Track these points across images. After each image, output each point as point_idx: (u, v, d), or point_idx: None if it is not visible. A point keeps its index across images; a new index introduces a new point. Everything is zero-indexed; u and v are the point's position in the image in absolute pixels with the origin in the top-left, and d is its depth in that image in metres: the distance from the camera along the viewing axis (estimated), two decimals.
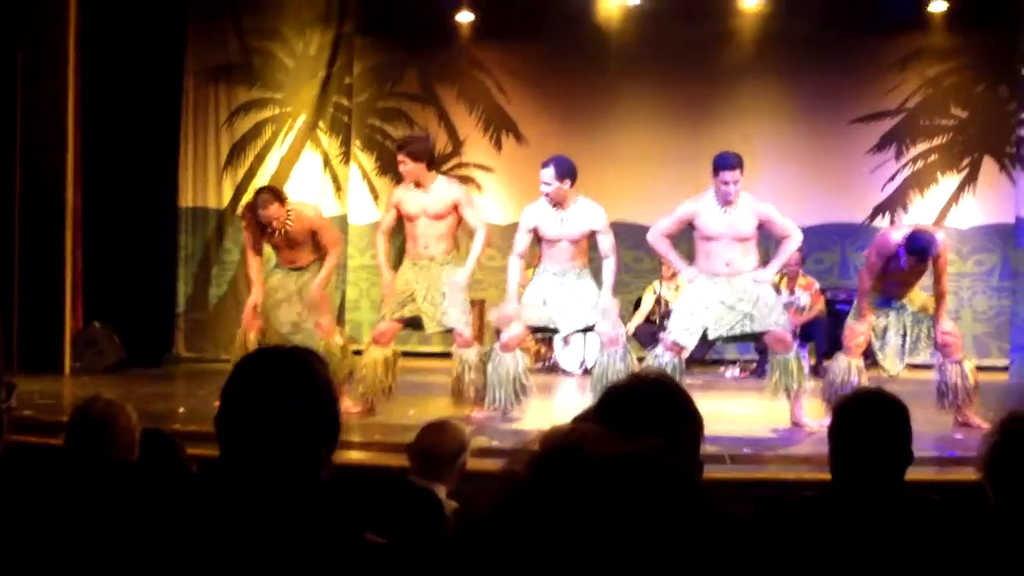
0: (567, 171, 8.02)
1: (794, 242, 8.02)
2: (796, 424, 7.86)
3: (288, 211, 8.45)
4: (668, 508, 1.00)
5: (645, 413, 2.23)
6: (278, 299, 8.61)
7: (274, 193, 8.65)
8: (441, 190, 8.34)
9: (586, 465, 1.02)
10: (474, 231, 8.44)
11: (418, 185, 8.28)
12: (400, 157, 8.35)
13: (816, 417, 7.73)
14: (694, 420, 2.41)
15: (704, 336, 8.03)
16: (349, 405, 7.98)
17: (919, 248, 7.79)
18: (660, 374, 2.60)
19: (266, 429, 2.21)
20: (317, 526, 2.17)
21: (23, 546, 2.72)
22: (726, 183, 7.81)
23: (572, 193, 8.07)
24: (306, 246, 8.61)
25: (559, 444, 1.06)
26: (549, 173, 8.01)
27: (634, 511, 0.99)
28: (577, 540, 0.97)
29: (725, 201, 7.86)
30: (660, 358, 7.97)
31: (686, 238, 8.39)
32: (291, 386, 2.24)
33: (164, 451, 4.21)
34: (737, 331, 8.01)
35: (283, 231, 8.44)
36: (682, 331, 7.96)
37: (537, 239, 8.21)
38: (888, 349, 8.12)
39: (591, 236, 8.13)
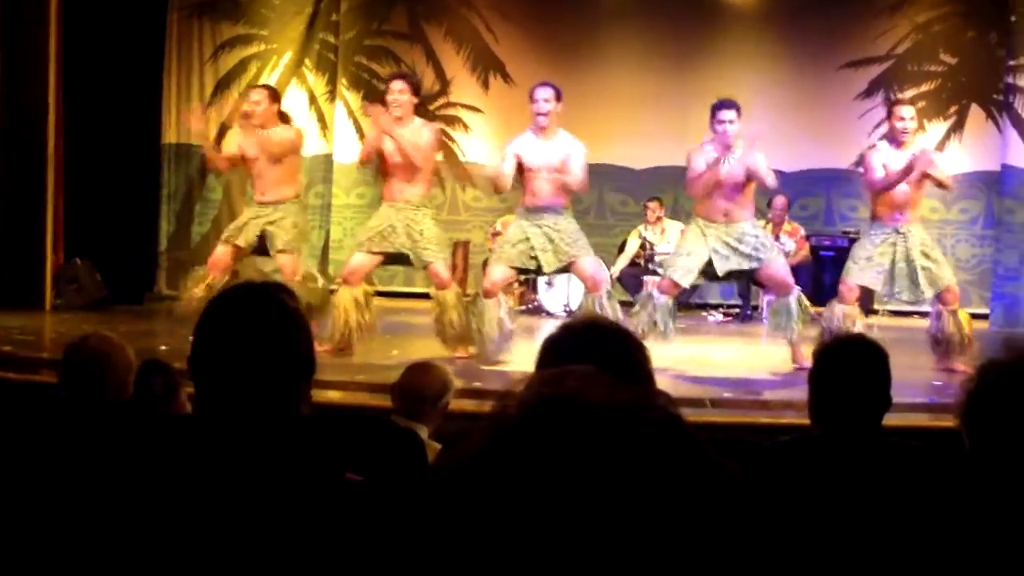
0: (559, 95, 8.03)
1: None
2: (800, 368, 7.84)
3: (274, 113, 8.66)
4: (669, 458, 0.99)
5: (588, 356, 2.19)
6: (249, 228, 8.67)
7: (272, 89, 8.98)
8: (418, 132, 8.27)
9: (582, 411, 1.01)
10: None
11: (399, 121, 8.17)
12: (400, 85, 8.23)
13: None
14: (638, 351, 2.35)
15: (705, 274, 8.06)
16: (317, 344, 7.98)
17: (905, 100, 8.05)
18: (590, 316, 2.57)
19: (239, 366, 2.20)
20: (297, 462, 2.17)
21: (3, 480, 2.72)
22: (722, 123, 7.83)
23: (556, 123, 8.04)
24: (278, 172, 8.64)
25: (552, 388, 1.04)
26: (548, 92, 7.98)
27: (634, 460, 0.98)
28: (571, 488, 0.96)
29: (724, 145, 7.83)
30: (656, 299, 7.98)
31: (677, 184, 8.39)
32: (263, 321, 2.23)
33: (164, 385, 4.21)
34: (745, 266, 8.03)
35: (261, 132, 8.47)
36: (679, 270, 7.98)
37: (520, 174, 8.14)
38: (901, 281, 8.12)
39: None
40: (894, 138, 8.16)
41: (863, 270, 8.12)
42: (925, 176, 8.05)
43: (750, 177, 7.94)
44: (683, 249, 8.09)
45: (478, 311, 8.07)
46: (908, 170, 7.81)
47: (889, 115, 8.29)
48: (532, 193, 8.10)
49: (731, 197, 7.95)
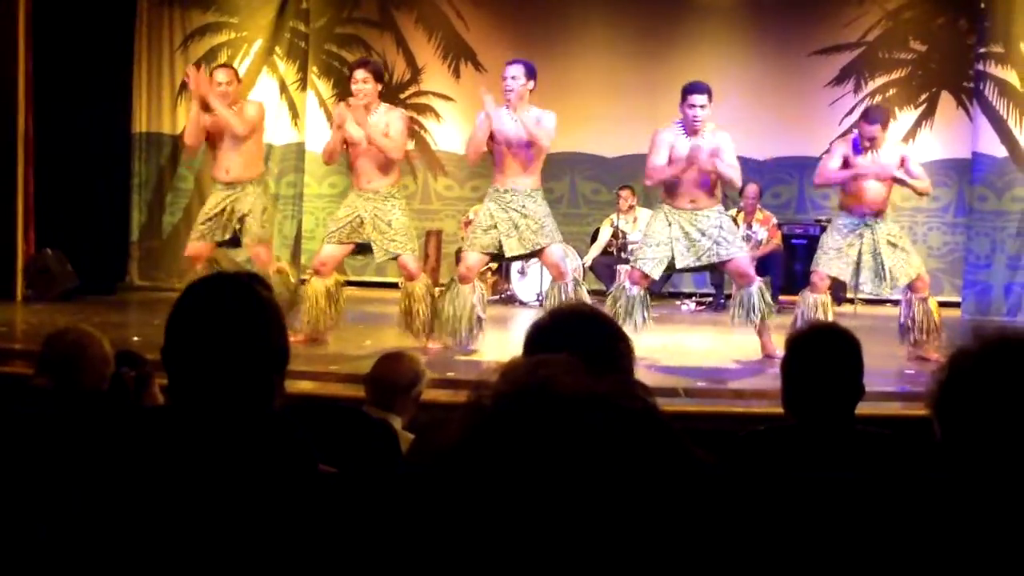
0: (532, 72, 8.01)
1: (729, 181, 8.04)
2: (769, 356, 7.87)
3: (237, 88, 8.68)
4: (644, 448, 0.99)
5: (573, 345, 2.21)
6: (217, 216, 8.62)
7: (235, 69, 9.06)
8: (383, 119, 8.23)
9: (558, 401, 1.00)
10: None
11: (365, 109, 8.14)
12: (363, 75, 8.19)
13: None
14: (623, 345, 2.39)
15: (670, 266, 8.03)
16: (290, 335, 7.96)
17: (873, 116, 7.94)
18: (578, 304, 2.59)
19: (213, 356, 2.19)
20: (270, 455, 2.16)
21: None
22: (693, 107, 7.77)
23: (527, 100, 8.00)
24: (244, 151, 8.59)
25: (528, 378, 1.04)
26: (519, 69, 7.97)
27: (609, 450, 0.98)
28: (547, 477, 0.96)
29: (692, 129, 7.81)
30: (628, 291, 7.96)
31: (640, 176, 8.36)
32: (236, 312, 2.22)
33: (136, 376, 4.21)
34: (704, 261, 8.01)
35: (224, 106, 8.46)
36: (648, 261, 7.95)
37: (491, 152, 8.08)
38: (865, 272, 8.15)
39: (540, 148, 7.99)
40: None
41: (832, 260, 8.15)
42: (897, 180, 8.11)
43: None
44: (651, 239, 8.03)
45: (452, 296, 8.07)
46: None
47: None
48: (502, 171, 8.06)
49: (698, 184, 7.91)
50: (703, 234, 7.89)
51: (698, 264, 8.07)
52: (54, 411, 3.58)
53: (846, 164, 8.14)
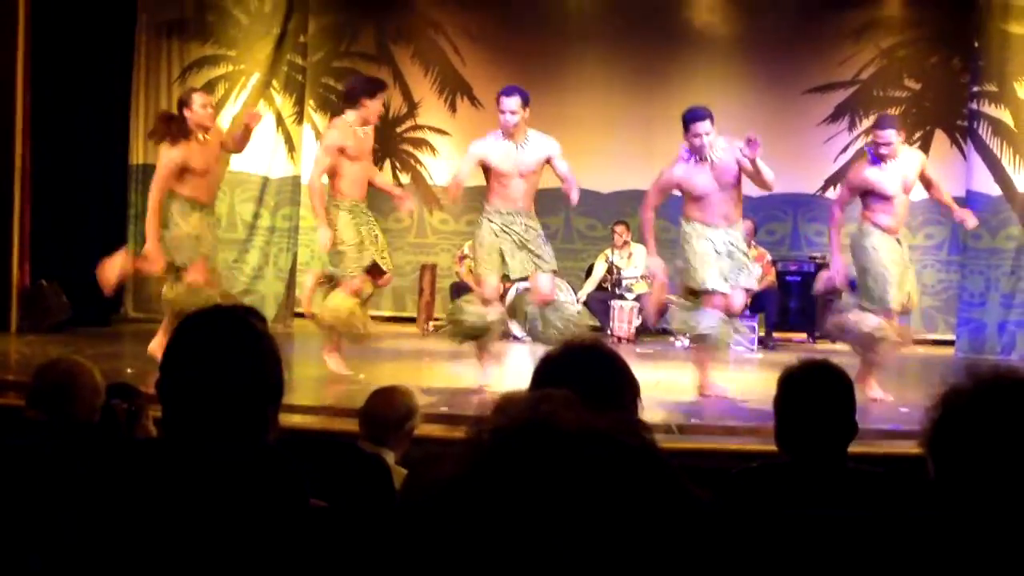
0: (527, 100, 7.86)
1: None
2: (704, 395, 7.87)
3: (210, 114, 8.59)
4: (641, 485, 0.99)
5: (581, 379, 2.23)
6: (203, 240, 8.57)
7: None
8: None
9: (557, 437, 1.00)
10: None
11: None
12: (372, 102, 8.27)
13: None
14: (630, 384, 2.42)
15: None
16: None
17: (884, 124, 7.90)
18: (592, 339, 2.61)
19: (207, 389, 2.19)
20: (262, 489, 2.16)
21: None
22: (698, 136, 7.58)
23: (525, 127, 7.89)
24: (214, 171, 8.61)
25: (527, 413, 1.04)
26: (515, 102, 7.77)
27: (606, 486, 0.98)
28: (545, 513, 0.96)
29: (701, 157, 7.65)
30: (713, 327, 7.69)
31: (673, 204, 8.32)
32: (231, 345, 2.22)
33: (129, 408, 4.20)
34: (742, 282, 7.86)
35: (203, 136, 8.39)
36: (718, 280, 7.70)
37: (486, 177, 7.98)
38: (907, 285, 8.05)
39: (542, 172, 7.95)
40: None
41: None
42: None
43: (740, 170, 7.69)
44: (707, 258, 7.71)
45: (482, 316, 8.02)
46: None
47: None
48: (504, 198, 7.92)
49: (728, 196, 7.74)
50: (737, 248, 7.83)
51: (737, 282, 7.87)
52: (46, 443, 3.57)
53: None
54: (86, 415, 3.96)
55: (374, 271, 8.36)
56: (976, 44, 11.49)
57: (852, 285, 8.13)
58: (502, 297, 8.40)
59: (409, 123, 13.59)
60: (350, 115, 8.23)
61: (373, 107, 8.24)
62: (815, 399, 3.19)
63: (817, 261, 11.88)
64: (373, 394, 4.58)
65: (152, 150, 12.43)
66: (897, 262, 7.93)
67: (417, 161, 13.56)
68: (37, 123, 10.97)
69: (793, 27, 12.84)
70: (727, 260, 7.76)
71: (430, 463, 1.04)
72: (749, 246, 11.83)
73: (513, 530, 0.95)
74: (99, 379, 4.07)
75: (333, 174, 8.17)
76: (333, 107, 13.24)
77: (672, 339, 12.18)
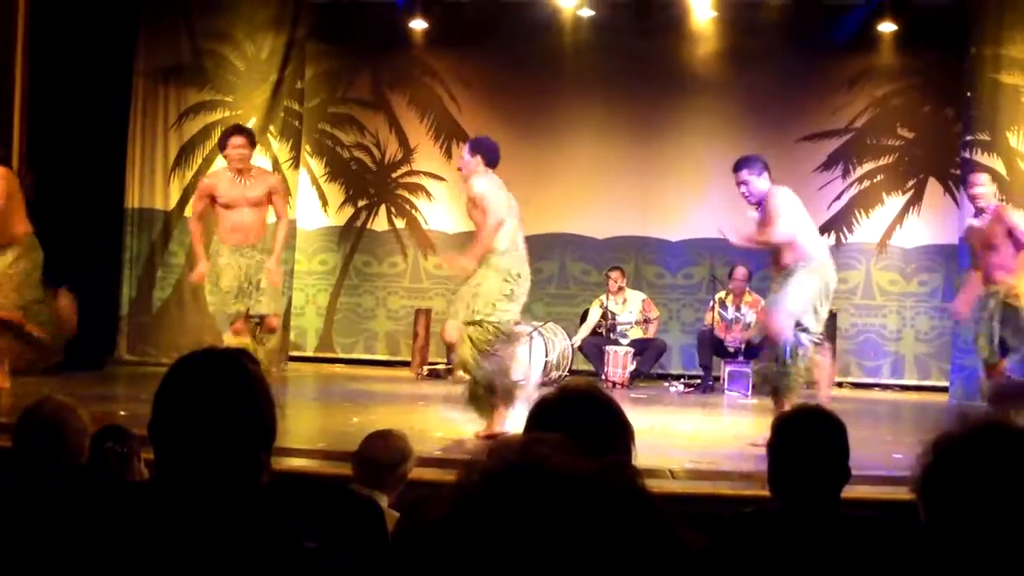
0: (472, 148, 8.11)
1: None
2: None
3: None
4: (630, 532, 0.99)
5: (575, 424, 2.25)
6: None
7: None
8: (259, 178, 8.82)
9: (547, 480, 1.01)
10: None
11: (241, 173, 8.69)
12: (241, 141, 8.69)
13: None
14: (624, 430, 2.43)
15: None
16: None
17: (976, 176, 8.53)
18: (588, 385, 2.63)
19: (199, 432, 2.19)
20: (255, 532, 2.15)
21: None
22: (737, 186, 8.08)
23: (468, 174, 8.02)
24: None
25: (518, 457, 1.04)
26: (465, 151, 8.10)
27: (595, 530, 0.98)
28: (534, 556, 0.96)
29: (748, 202, 8.09)
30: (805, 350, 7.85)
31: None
32: (224, 387, 2.22)
33: (121, 451, 4.18)
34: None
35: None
36: (813, 320, 7.93)
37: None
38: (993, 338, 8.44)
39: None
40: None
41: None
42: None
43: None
44: (807, 299, 7.94)
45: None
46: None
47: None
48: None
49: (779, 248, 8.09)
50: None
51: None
52: (33, 484, 3.56)
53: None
54: (73, 456, 3.93)
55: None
56: (968, 94, 11.57)
57: None
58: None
59: (405, 168, 13.64)
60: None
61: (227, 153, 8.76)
62: (808, 444, 3.19)
63: None
64: (368, 437, 4.57)
65: (148, 194, 12.48)
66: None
67: (413, 206, 13.61)
68: (33, 165, 10.99)
69: (787, 75, 12.91)
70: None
71: (423, 506, 1.05)
72: (743, 292, 11.92)
73: (501, 573, 0.95)
74: (86, 419, 4.05)
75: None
76: (329, 152, 13.31)
77: (667, 384, 12.18)
